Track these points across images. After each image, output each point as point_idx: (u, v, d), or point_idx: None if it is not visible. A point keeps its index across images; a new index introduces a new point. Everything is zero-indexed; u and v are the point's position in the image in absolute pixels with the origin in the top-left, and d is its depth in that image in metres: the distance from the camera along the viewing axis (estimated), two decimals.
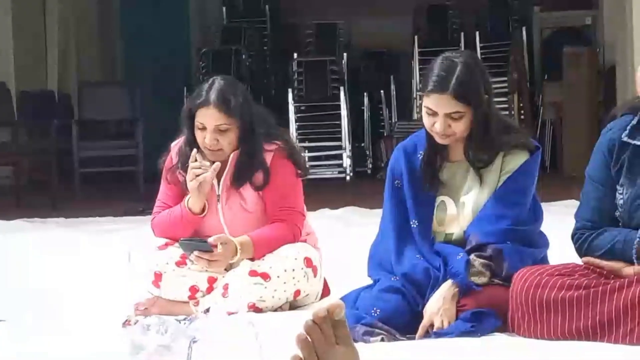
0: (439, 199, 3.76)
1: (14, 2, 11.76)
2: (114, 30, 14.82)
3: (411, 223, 3.73)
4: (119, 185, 10.64)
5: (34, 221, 7.74)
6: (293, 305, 4.09)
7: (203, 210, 4.13)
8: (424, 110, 3.69)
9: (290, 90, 12.07)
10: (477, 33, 12.79)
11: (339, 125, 11.73)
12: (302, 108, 11.94)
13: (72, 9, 13.52)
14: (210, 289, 4.05)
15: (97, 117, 11.59)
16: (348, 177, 11.42)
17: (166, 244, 4.17)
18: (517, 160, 3.71)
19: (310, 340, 1.69)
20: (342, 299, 3.80)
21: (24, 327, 3.99)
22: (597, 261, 3.44)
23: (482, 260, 3.55)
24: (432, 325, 3.48)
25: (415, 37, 13.22)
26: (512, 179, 3.69)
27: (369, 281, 3.81)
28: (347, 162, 11.60)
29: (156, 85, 13.26)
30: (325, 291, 4.22)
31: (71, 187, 10.90)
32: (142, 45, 14.39)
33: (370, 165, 12.03)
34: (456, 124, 3.64)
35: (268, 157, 4.15)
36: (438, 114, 3.62)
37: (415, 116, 12.23)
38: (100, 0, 14.57)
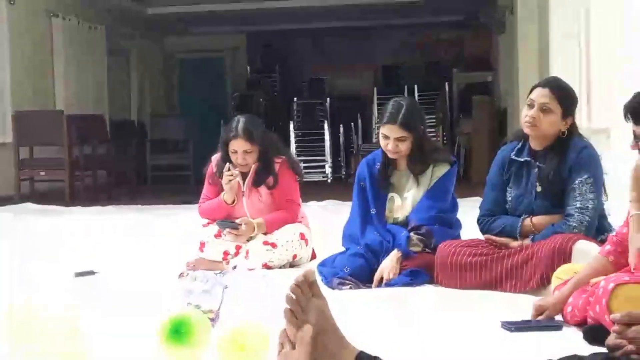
0: (390, 195, 3.77)
1: (109, 63, 11.78)
2: (175, 79, 14.84)
3: (371, 211, 3.75)
4: (177, 184, 10.61)
5: (120, 207, 7.73)
6: (292, 265, 4.09)
7: (233, 201, 4.14)
8: (380, 135, 3.70)
9: (291, 122, 12.08)
10: (416, 86, 12.80)
11: (323, 146, 11.74)
12: (299, 134, 11.93)
13: (147, 65, 13.54)
14: (237, 253, 4.04)
15: (162, 138, 11.60)
16: (329, 180, 11.40)
17: (208, 223, 4.20)
18: (442, 170, 3.73)
19: (294, 297, 1.72)
20: (324, 261, 3.83)
21: (112, 277, 4.00)
22: (494, 237, 3.46)
23: (417, 236, 3.57)
24: (382, 278, 3.50)
25: (375, 87, 13.22)
26: (439, 183, 3.70)
27: (342, 249, 3.81)
28: (328, 170, 11.60)
29: (202, 117, 13.19)
30: (313, 255, 4.22)
31: (145, 184, 10.92)
32: (194, 89, 14.37)
33: (344, 173, 11.98)
34: (402, 144, 3.65)
35: (276, 167, 4.16)
36: (390, 138, 3.64)
37: (374, 140, 12.26)
38: (166, 57, 14.59)
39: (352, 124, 12.59)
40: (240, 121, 4.10)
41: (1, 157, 8.82)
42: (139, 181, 10.94)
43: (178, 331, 2.33)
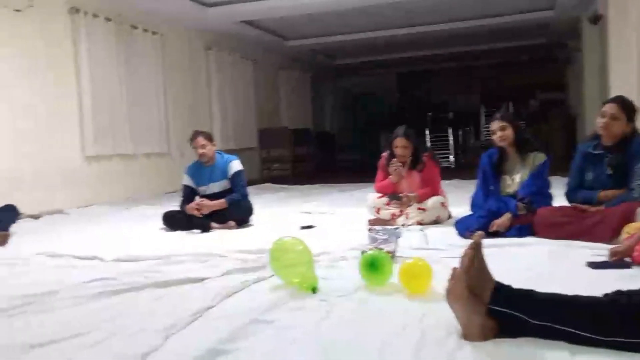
0: (503, 176, 3.60)
1: (313, 97, 12.00)
2: (351, 105, 14.82)
3: (490, 187, 3.59)
4: (353, 171, 10.67)
5: (322, 185, 7.85)
6: (436, 222, 3.97)
7: (397, 182, 4.11)
8: (491, 133, 3.57)
9: (427, 129, 11.67)
10: (511, 102, 12.04)
11: (448, 144, 11.32)
12: (433, 136, 11.55)
13: (334, 97, 13.68)
14: (400, 215, 4.01)
15: (345, 143, 11.71)
16: (452, 166, 11.03)
17: (381, 196, 4.17)
18: (540, 159, 3.49)
19: (468, 257, 1.68)
20: (458, 219, 3.64)
21: (324, 228, 4.02)
22: (577, 205, 3.22)
23: (523, 204, 3.37)
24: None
25: (481, 105, 12.60)
26: (537, 168, 3.47)
27: (469, 212, 3.66)
28: (452, 159, 11.23)
29: (367, 129, 13.08)
30: (450, 216, 4.08)
31: (336, 171, 11.06)
32: (362, 111, 14.26)
33: (462, 161, 11.44)
34: (504, 132, 3.49)
35: (425, 159, 4.09)
36: (496, 132, 3.50)
37: (482, 138, 11.89)
38: (345, 92, 14.64)
39: (467, 129, 12.13)
40: (401, 127, 4.09)
41: (252, 155, 9.31)
42: (332, 169, 11.13)
43: (372, 264, 2.36)
